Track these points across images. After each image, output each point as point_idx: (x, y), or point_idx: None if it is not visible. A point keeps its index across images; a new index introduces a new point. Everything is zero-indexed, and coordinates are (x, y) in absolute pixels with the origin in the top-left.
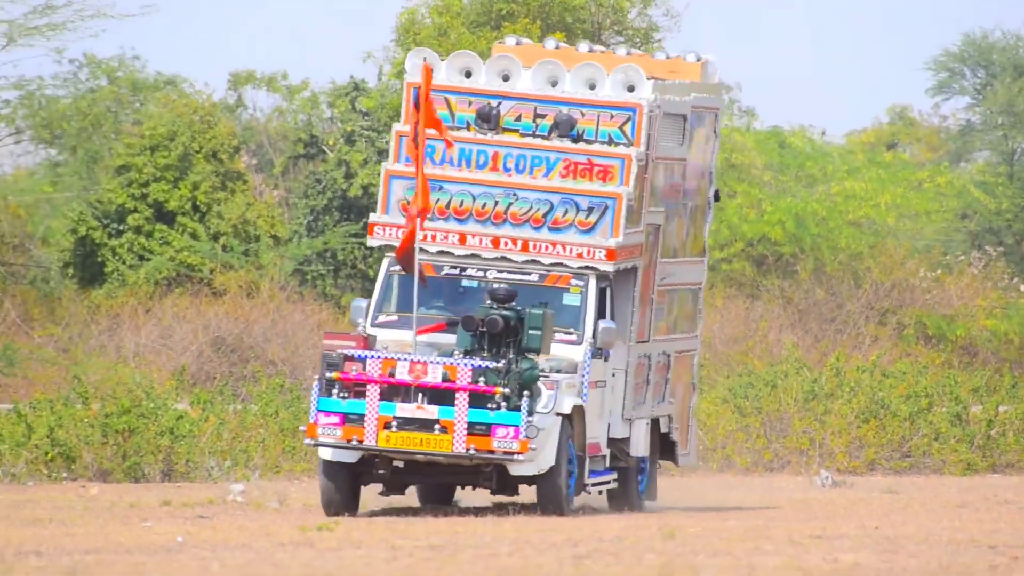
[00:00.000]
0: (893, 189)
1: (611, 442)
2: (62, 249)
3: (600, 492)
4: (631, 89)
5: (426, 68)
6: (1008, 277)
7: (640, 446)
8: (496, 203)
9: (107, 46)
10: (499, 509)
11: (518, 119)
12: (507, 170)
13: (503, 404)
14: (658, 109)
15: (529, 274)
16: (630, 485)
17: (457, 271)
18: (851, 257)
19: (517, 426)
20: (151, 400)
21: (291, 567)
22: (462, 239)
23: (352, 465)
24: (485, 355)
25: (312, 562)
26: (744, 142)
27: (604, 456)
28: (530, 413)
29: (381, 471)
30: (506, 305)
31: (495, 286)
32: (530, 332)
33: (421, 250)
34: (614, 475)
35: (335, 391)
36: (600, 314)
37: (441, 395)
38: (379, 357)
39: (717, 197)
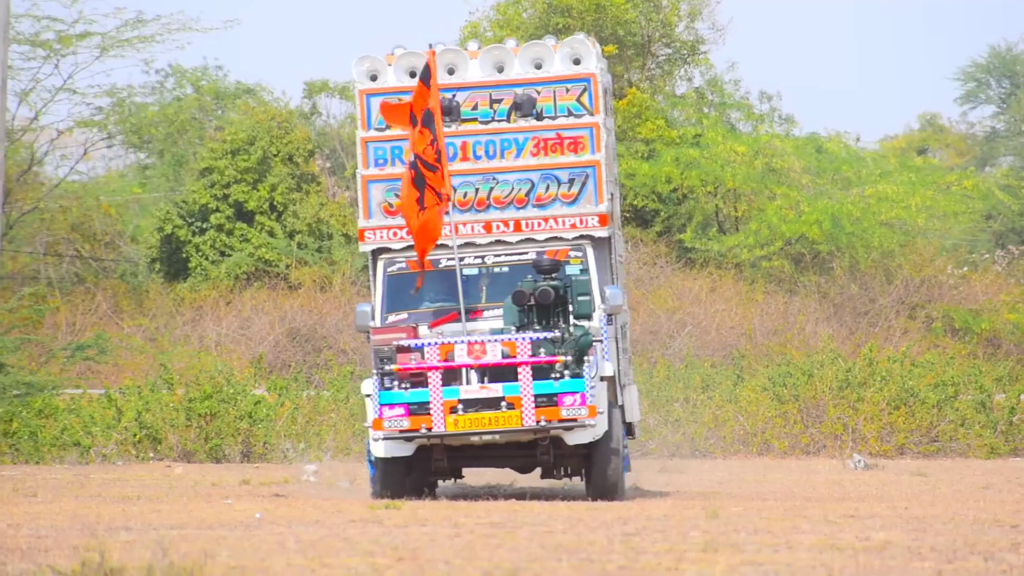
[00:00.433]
0: (923, 192)
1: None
2: (150, 246)
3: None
4: (577, 62)
5: (431, 54)
6: None
7: (635, 411)
8: (477, 190)
9: (192, 57)
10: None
11: (475, 108)
12: (477, 157)
13: (565, 373)
14: (606, 78)
15: (525, 253)
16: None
17: (455, 261)
18: (883, 255)
19: (583, 392)
20: (231, 386)
21: (360, 542)
22: (455, 229)
23: (406, 459)
24: (537, 327)
25: (380, 538)
26: (784, 147)
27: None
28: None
29: (439, 459)
30: (551, 276)
31: (539, 258)
32: (579, 299)
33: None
34: (626, 441)
35: (395, 383)
36: (601, 281)
37: (501, 372)
38: (436, 343)
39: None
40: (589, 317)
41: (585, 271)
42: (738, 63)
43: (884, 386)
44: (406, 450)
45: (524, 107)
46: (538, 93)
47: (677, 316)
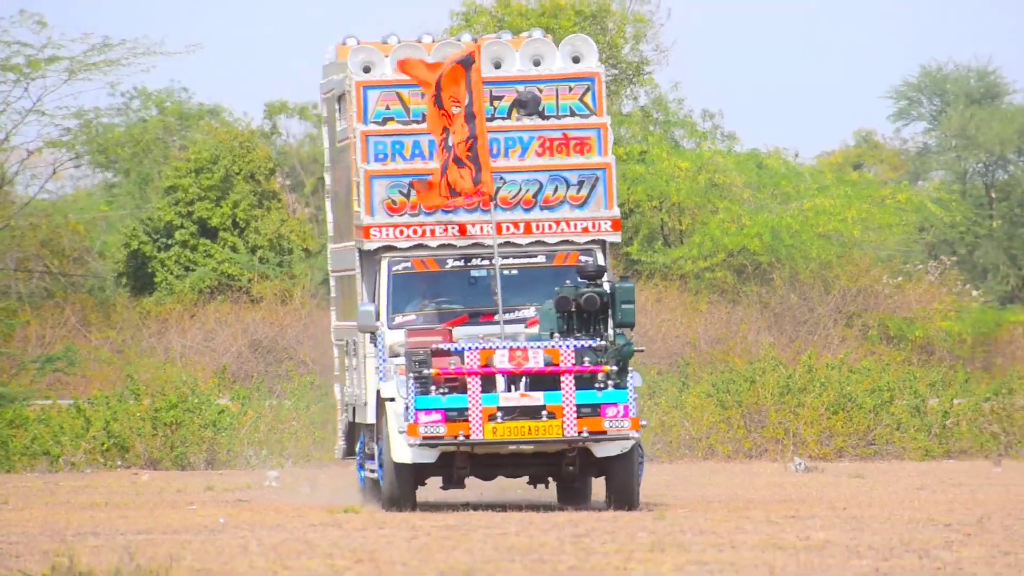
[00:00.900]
0: (859, 205)
1: None
2: (116, 261)
3: None
4: (576, 60)
5: (477, 47)
6: (961, 283)
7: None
8: None
9: (156, 80)
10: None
11: None
12: None
13: (608, 383)
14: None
15: (535, 256)
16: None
17: (462, 263)
18: (821, 266)
19: (626, 404)
20: (196, 396)
21: (321, 545)
22: (462, 230)
23: (425, 464)
24: (579, 335)
25: (339, 541)
26: (725, 163)
27: None
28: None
29: (462, 468)
30: (596, 282)
31: (584, 262)
32: (623, 307)
33: (421, 246)
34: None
35: (432, 387)
36: None
37: (541, 380)
38: (477, 348)
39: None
40: (632, 326)
41: (627, 278)
42: (682, 83)
43: (823, 392)
44: (430, 456)
45: (529, 105)
46: (540, 91)
47: None
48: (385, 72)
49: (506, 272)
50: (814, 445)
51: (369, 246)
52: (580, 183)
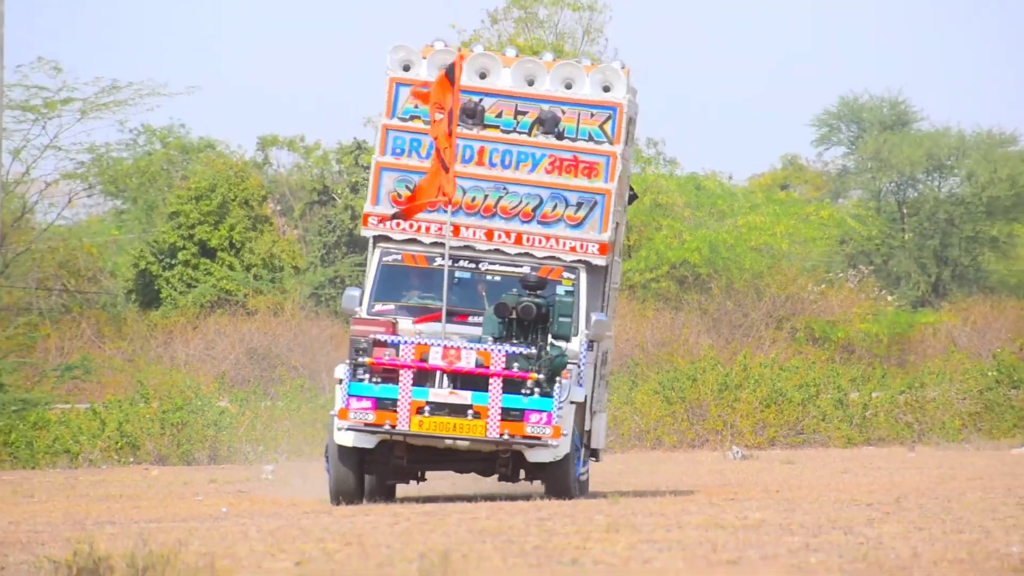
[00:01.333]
0: (786, 221)
1: None
2: (126, 279)
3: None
4: (607, 89)
5: (459, 57)
6: (877, 290)
7: (600, 438)
8: (486, 196)
9: (160, 117)
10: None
11: (499, 115)
12: (492, 165)
13: (536, 390)
14: (634, 107)
15: (521, 266)
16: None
17: (451, 262)
18: (754, 276)
19: (550, 412)
20: (199, 399)
21: (313, 530)
22: (455, 230)
23: (366, 452)
24: (515, 341)
25: (330, 526)
26: (668, 186)
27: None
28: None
29: (399, 457)
30: (537, 292)
31: (527, 274)
32: (560, 319)
33: (414, 241)
34: (588, 467)
35: (366, 376)
36: (589, 307)
37: (473, 380)
38: (412, 342)
39: (633, 198)
40: (567, 338)
41: (570, 293)
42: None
43: (757, 388)
44: (368, 442)
45: (547, 124)
46: (563, 113)
47: None
48: (420, 73)
49: (489, 277)
50: (749, 435)
51: (366, 233)
52: (579, 204)
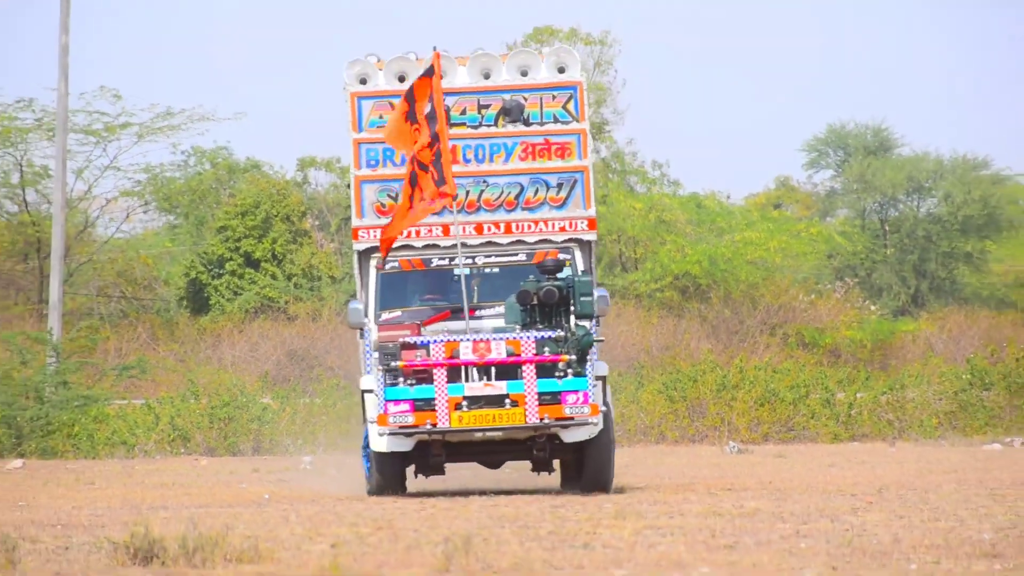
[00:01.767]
0: (779, 237)
1: None
2: (178, 287)
3: None
4: (562, 70)
5: (436, 56)
6: (861, 300)
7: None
8: (467, 192)
9: (209, 140)
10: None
11: (463, 112)
12: (467, 161)
13: (568, 371)
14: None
15: (516, 254)
16: None
17: (446, 261)
18: (749, 287)
19: (586, 391)
20: (244, 396)
21: (347, 516)
22: (445, 230)
23: (403, 454)
24: (539, 326)
25: (363, 512)
26: (671, 204)
27: None
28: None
29: (436, 455)
30: (555, 276)
31: (545, 259)
32: (582, 299)
33: (408, 247)
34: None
35: (400, 379)
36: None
37: (505, 370)
38: (442, 341)
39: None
40: (591, 317)
41: (587, 272)
42: (635, 139)
43: (752, 388)
44: (406, 445)
45: (513, 112)
46: (525, 100)
47: None
48: (379, 83)
49: (488, 270)
50: (745, 432)
51: (358, 247)
52: (559, 185)
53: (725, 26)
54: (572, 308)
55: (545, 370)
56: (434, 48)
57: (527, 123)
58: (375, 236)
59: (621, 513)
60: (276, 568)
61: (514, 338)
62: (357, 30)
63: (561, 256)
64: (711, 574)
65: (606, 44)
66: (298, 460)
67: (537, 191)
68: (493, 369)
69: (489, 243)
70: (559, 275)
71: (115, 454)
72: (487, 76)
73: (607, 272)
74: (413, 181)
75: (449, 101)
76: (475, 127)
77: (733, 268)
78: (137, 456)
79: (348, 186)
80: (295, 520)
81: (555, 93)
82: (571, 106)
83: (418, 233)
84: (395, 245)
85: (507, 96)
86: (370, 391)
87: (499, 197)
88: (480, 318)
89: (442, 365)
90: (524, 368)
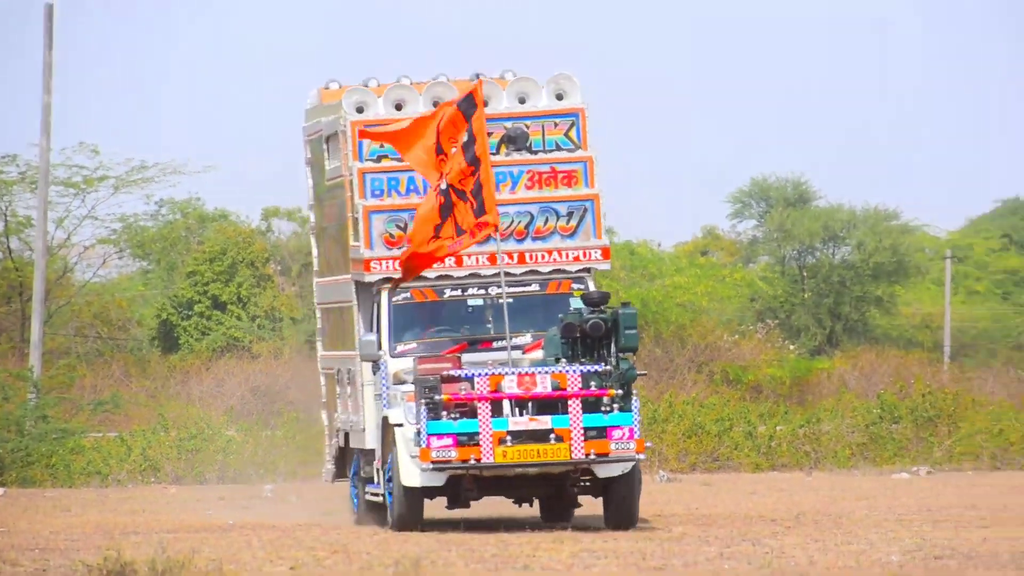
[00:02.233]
0: (706, 282)
1: None
2: (150, 328)
3: None
4: (560, 97)
5: (479, 83)
6: (781, 340)
7: None
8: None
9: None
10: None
11: None
12: None
13: (614, 406)
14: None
15: (529, 284)
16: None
17: (459, 292)
18: (679, 328)
19: (632, 427)
20: (210, 429)
21: (305, 540)
22: (458, 261)
23: (434, 488)
24: (584, 360)
25: (320, 537)
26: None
27: None
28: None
29: (469, 490)
30: (600, 308)
31: (589, 291)
32: (626, 332)
33: (421, 277)
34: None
35: (443, 413)
36: None
37: (548, 404)
38: (486, 374)
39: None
40: (635, 351)
41: (629, 304)
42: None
43: (680, 421)
44: (438, 480)
45: (518, 141)
46: (527, 127)
47: None
48: (378, 111)
49: (501, 300)
50: (674, 461)
51: (370, 278)
52: (569, 214)
53: (657, 86)
54: (615, 341)
55: (590, 405)
56: (478, 76)
57: (532, 151)
58: (387, 267)
59: (559, 537)
60: None
61: (560, 371)
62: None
63: (575, 287)
64: None
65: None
66: (260, 488)
67: (547, 220)
68: (531, 403)
69: (502, 273)
70: (604, 306)
71: (90, 483)
72: (486, 104)
73: None
74: (447, 209)
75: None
76: None
77: (664, 310)
78: (111, 485)
79: (355, 218)
80: (257, 544)
81: (556, 120)
82: (573, 133)
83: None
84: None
85: (509, 124)
86: (400, 425)
87: (509, 227)
88: (495, 350)
89: (487, 399)
90: (570, 403)
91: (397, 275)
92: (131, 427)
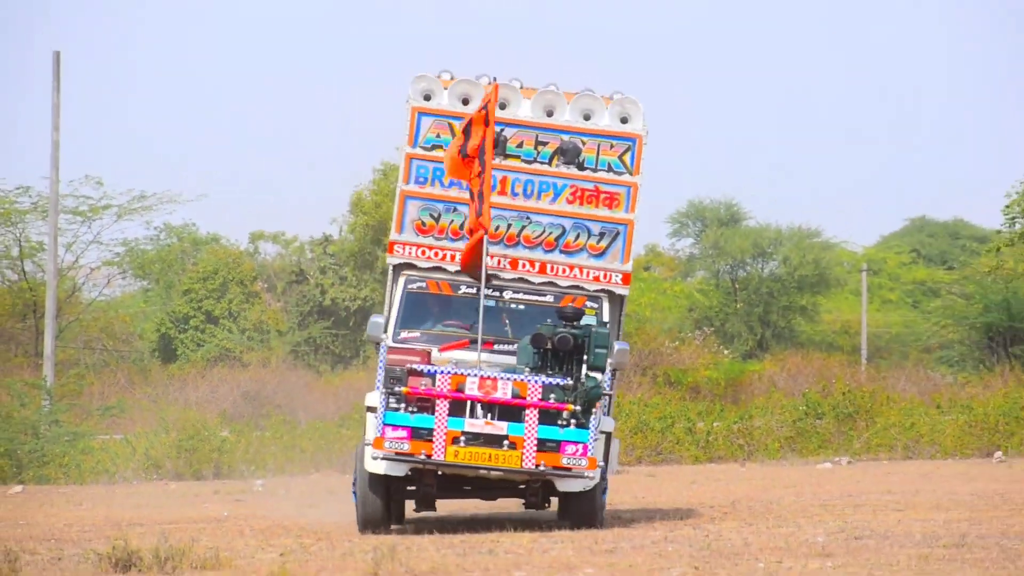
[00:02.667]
0: (649, 294)
1: None
2: (151, 341)
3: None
4: (624, 120)
5: (495, 88)
6: (717, 345)
7: (615, 463)
8: (509, 225)
9: (177, 218)
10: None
11: (520, 146)
12: (515, 194)
13: (572, 421)
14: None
15: (544, 295)
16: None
17: (474, 290)
18: (625, 335)
19: (586, 443)
20: (206, 430)
21: (293, 529)
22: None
23: (395, 479)
24: (550, 372)
25: (306, 527)
26: None
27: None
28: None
29: (428, 485)
30: (574, 324)
31: (566, 306)
32: (596, 350)
33: (440, 268)
34: (607, 493)
35: (401, 405)
36: (612, 336)
37: (508, 411)
38: (449, 372)
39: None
40: (603, 370)
41: (605, 324)
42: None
43: (627, 419)
44: (399, 470)
45: (568, 154)
46: (583, 143)
47: None
48: (442, 102)
49: (514, 306)
50: (622, 455)
51: (392, 261)
52: (601, 234)
53: None
54: (586, 358)
55: (549, 417)
56: (493, 79)
57: (581, 167)
58: (410, 252)
59: (520, 525)
60: (234, 573)
61: (521, 380)
62: (310, 122)
63: (589, 304)
64: (595, 574)
65: None
66: (252, 483)
67: (578, 236)
68: (496, 408)
69: (521, 279)
70: (577, 323)
71: (99, 480)
72: (550, 114)
73: None
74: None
75: (508, 132)
76: (529, 162)
77: None
78: (117, 482)
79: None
80: (249, 533)
81: (614, 142)
82: (627, 158)
83: (453, 258)
84: (427, 266)
85: (565, 137)
86: (373, 409)
87: (540, 236)
88: (497, 352)
89: (445, 397)
90: (527, 412)
91: (418, 261)
92: (135, 429)
